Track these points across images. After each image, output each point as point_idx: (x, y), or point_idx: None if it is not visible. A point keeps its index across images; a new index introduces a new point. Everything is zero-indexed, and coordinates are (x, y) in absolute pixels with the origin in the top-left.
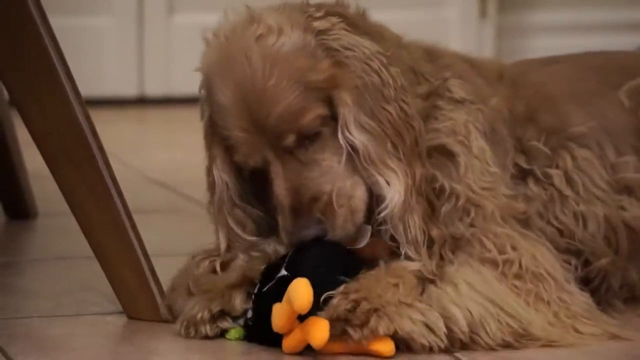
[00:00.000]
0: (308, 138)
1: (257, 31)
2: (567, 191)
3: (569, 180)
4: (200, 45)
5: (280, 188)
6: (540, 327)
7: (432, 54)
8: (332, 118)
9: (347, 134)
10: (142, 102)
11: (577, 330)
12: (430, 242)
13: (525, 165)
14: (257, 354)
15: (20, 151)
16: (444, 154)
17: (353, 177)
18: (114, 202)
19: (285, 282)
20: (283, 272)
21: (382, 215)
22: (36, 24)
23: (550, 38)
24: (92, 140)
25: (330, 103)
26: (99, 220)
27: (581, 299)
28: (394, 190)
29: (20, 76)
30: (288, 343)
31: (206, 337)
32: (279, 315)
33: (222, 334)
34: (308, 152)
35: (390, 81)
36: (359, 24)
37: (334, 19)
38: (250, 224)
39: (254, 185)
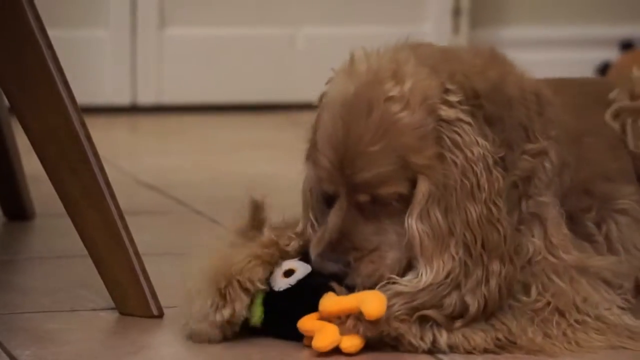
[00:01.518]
0: (380, 204)
1: (390, 92)
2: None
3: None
4: (191, 56)
5: (333, 222)
6: (529, 339)
7: (541, 104)
8: (410, 197)
9: (410, 219)
10: (134, 110)
11: (577, 343)
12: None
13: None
14: (243, 348)
15: (19, 156)
16: (539, 218)
17: (399, 253)
18: (107, 204)
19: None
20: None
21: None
22: (35, 36)
23: (518, 52)
24: (87, 145)
25: (414, 183)
26: (93, 221)
27: (619, 319)
28: (418, 279)
29: (20, 85)
30: (306, 323)
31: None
32: (336, 302)
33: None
34: (374, 212)
35: (486, 186)
36: (493, 107)
37: (461, 113)
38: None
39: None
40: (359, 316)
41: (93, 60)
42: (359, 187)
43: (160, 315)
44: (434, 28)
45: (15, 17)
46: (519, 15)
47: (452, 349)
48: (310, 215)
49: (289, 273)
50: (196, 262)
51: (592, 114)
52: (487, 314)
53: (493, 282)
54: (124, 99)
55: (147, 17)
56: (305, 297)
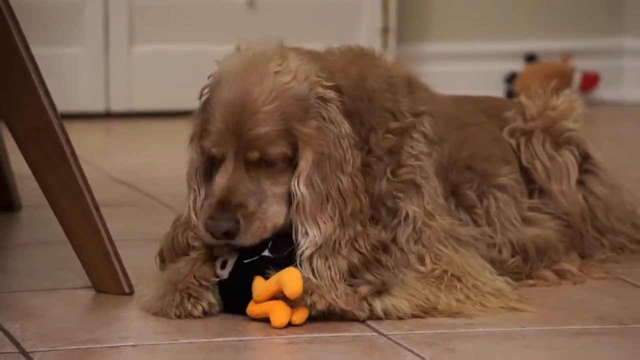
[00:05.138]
0: (266, 164)
1: (278, 67)
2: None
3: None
4: (157, 69)
5: (221, 181)
6: (446, 304)
7: (411, 86)
8: (291, 161)
9: (295, 183)
10: (108, 116)
11: (482, 305)
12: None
13: (452, 207)
14: (202, 320)
15: (8, 155)
16: (414, 186)
17: (279, 208)
18: (85, 197)
19: (266, 261)
20: (267, 252)
21: (298, 254)
22: (20, 51)
23: (438, 65)
24: (66, 146)
25: (296, 150)
26: (72, 212)
27: (496, 284)
28: (310, 239)
29: (7, 93)
30: (254, 309)
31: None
32: (264, 289)
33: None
34: (258, 172)
35: (351, 160)
36: (352, 101)
37: (334, 95)
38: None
39: (205, 168)
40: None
41: (71, 73)
42: (250, 143)
43: (131, 292)
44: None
45: (1, 35)
46: (439, 32)
47: (387, 315)
48: (197, 192)
49: (224, 264)
50: (146, 284)
51: (481, 117)
52: (368, 266)
53: (361, 241)
54: (98, 106)
55: (118, 36)
56: (244, 280)
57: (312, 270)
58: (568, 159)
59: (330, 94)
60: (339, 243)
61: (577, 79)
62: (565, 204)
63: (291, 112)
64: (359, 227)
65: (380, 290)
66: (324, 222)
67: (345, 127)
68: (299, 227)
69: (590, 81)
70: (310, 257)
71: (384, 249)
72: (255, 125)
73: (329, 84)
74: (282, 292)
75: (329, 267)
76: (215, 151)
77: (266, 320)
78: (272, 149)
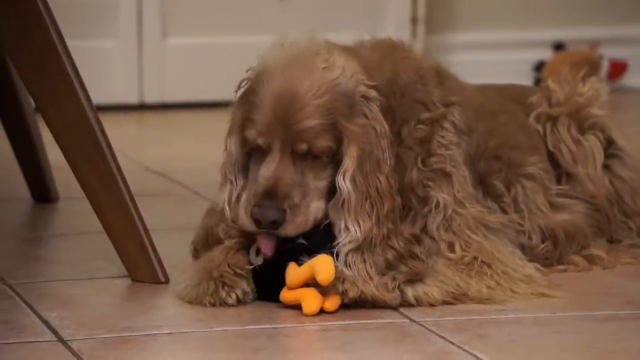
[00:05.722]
0: (311, 156)
1: (325, 62)
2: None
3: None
4: (189, 61)
5: (268, 171)
6: (477, 290)
7: (441, 76)
8: (334, 155)
9: (342, 179)
10: (142, 107)
11: (512, 291)
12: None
13: (480, 196)
14: (236, 309)
15: (44, 148)
16: (444, 175)
17: (320, 204)
18: (120, 187)
19: (300, 248)
20: (301, 239)
21: (337, 247)
22: (56, 46)
23: (467, 54)
24: (102, 138)
25: (340, 145)
26: (108, 203)
27: (526, 270)
28: (351, 235)
29: (43, 88)
30: (287, 295)
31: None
32: (297, 275)
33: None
34: (303, 164)
35: (388, 161)
36: (384, 103)
37: (376, 94)
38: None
39: (244, 160)
40: (338, 278)
41: (106, 66)
42: (299, 135)
43: (166, 281)
44: (394, 34)
45: (38, 29)
46: (467, 22)
47: (418, 301)
48: (236, 184)
49: (258, 251)
50: (180, 272)
51: (508, 104)
52: (402, 260)
53: (394, 239)
54: (132, 99)
55: (151, 29)
56: (278, 266)
57: (348, 264)
58: (593, 143)
59: (373, 93)
60: (375, 241)
61: (604, 66)
62: (591, 188)
63: (338, 107)
64: (391, 226)
65: (414, 280)
66: (363, 220)
67: (385, 127)
68: (340, 222)
69: (618, 69)
70: (349, 252)
71: (416, 241)
72: (304, 117)
73: (371, 83)
74: (314, 278)
75: (364, 261)
76: (261, 141)
77: (299, 307)
78: (319, 142)
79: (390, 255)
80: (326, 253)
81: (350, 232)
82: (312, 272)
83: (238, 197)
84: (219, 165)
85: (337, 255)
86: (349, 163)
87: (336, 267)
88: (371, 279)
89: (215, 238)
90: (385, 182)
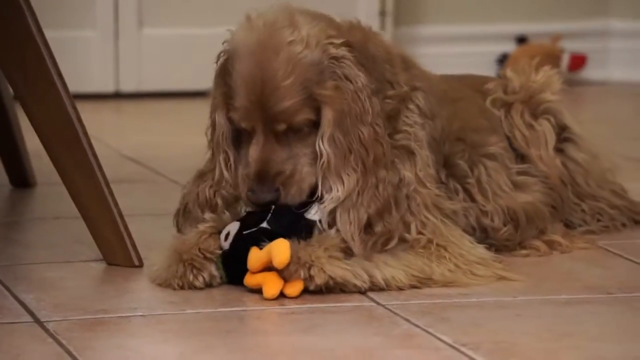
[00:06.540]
0: (293, 130)
1: (290, 36)
2: (478, 196)
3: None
4: (164, 51)
5: (255, 153)
6: (440, 274)
7: (407, 63)
8: (316, 123)
9: (320, 143)
10: (118, 96)
11: (473, 273)
12: (372, 235)
13: (443, 178)
14: (208, 291)
15: (23, 135)
16: (408, 152)
17: (310, 169)
18: (96, 174)
19: (265, 233)
20: (265, 224)
21: (321, 207)
22: (34, 36)
23: (433, 47)
24: (78, 125)
25: (319, 112)
26: (84, 188)
27: (478, 252)
28: (332, 195)
29: (22, 76)
30: (249, 280)
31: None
32: (257, 259)
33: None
34: (287, 140)
35: (370, 110)
36: (361, 56)
37: (345, 51)
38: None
39: (233, 133)
40: (298, 262)
41: (83, 56)
42: (277, 117)
43: (141, 265)
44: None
45: (16, 20)
46: (434, 15)
47: (387, 285)
48: (228, 155)
49: (227, 236)
50: (156, 254)
51: (467, 92)
52: (383, 214)
53: (381, 187)
54: (109, 87)
55: (128, 19)
56: (243, 251)
57: (332, 226)
58: (545, 127)
59: (342, 51)
60: (362, 191)
61: (565, 59)
62: (544, 168)
63: (309, 78)
64: (382, 173)
65: (386, 242)
66: (348, 175)
67: (361, 78)
68: (324, 184)
69: (578, 62)
70: (332, 211)
71: (394, 202)
72: (278, 100)
73: (339, 41)
74: (270, 263)
75: (350, 222)
76: (245, 125)
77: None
78: (297, 118)
79: (372, 208)
80: (288, 237)
81: (332, 191)
82: (269, 257)
83: (234, 167)
84: (194, 154)
85: (320, 221)
86: (325, 125)
87: (294, 249)
88: (353, 239)
89: (208, 202)
90: (369, 131)
